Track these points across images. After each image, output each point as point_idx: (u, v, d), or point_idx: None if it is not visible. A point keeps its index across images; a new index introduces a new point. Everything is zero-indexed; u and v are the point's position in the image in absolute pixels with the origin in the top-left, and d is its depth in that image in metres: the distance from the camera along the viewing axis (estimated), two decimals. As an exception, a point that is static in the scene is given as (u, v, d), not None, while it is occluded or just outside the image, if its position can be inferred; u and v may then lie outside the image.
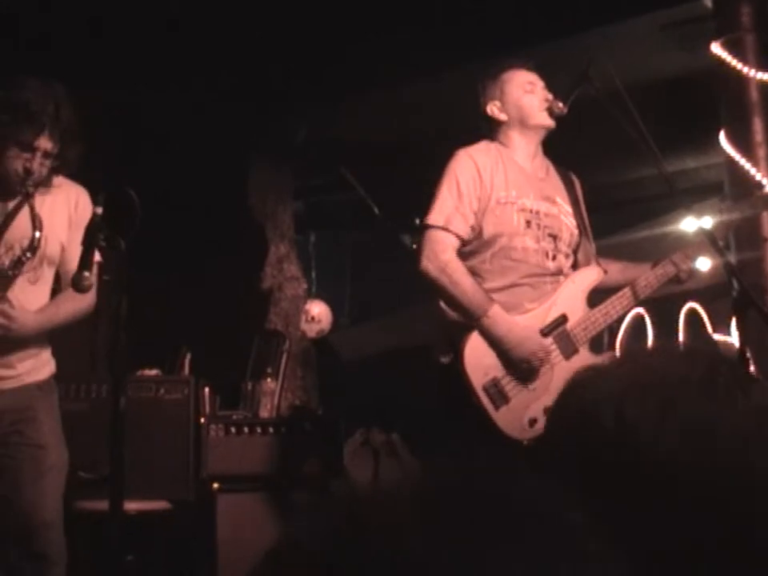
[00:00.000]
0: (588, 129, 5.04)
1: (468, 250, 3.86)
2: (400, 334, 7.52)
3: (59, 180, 3.63)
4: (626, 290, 3.91)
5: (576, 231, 4.01)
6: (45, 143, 3.47)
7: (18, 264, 3.51)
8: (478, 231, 3.85)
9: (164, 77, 5.81)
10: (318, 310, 7.15)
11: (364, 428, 6.17)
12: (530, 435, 3.66)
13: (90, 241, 3.23)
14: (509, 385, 3.68)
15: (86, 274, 3.23)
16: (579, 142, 5.10)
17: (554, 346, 3.78)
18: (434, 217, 3.81)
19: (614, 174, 7.30)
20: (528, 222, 3.86)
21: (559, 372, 3.74)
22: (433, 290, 3.80)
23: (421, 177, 4.10)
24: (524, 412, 3.68)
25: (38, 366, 3.72)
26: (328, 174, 7.68)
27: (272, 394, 5.87)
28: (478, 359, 3.67)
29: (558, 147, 4.10)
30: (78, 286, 3.24)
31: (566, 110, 3.94)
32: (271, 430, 5.61)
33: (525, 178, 3.97)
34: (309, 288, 7.27)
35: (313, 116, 6.76)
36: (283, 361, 6.07)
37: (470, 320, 3.70)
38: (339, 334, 7.73)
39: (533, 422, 3.67)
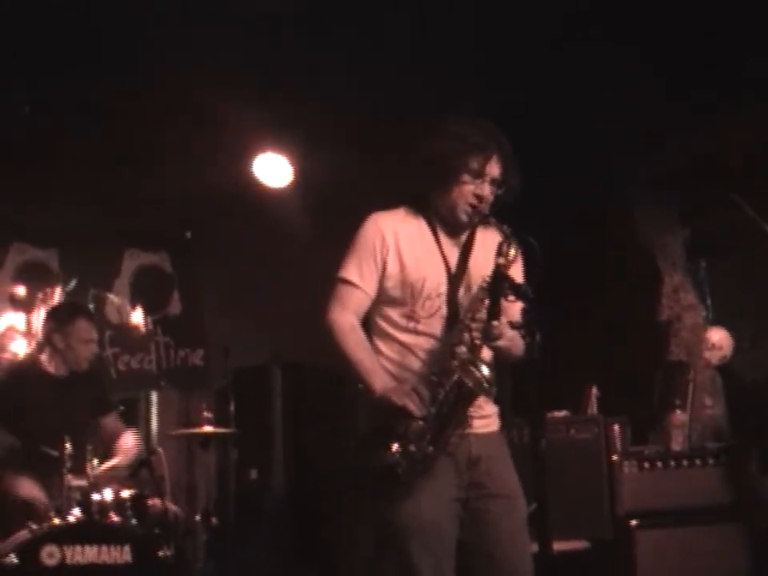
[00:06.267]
0: None
1: None
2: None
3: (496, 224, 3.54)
4: None
5: None
6: (493, 169, 3.50)
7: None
8: None
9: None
10: (718, 337, 6.95)
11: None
12: None
13: (496, 291, 3.31)
14: None
15: (495, 323, 3.29)
16: None
17: None
18: None
19: None
20: None
21: None
22: None
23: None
24: None
25: (496, 411, 3.62)
26: (713, 198, 7.48)
27: (682, 426, 5.79)
28: None
29: None
30: (488, 336, 3.31)
31: None
32: (685, 462, 5.53)
33: None
34: (706, 315, 7.11)
35: (692, 139, 6.63)
36: (690, 391, 5.98)
37: None
38: (741, 358, 7.48)
39: None
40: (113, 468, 5.37)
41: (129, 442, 5.61)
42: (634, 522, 5.39)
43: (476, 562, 3.42)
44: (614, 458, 5.48)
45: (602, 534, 5.43)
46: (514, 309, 3.33)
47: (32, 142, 6.42)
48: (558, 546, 5.03)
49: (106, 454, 5.43)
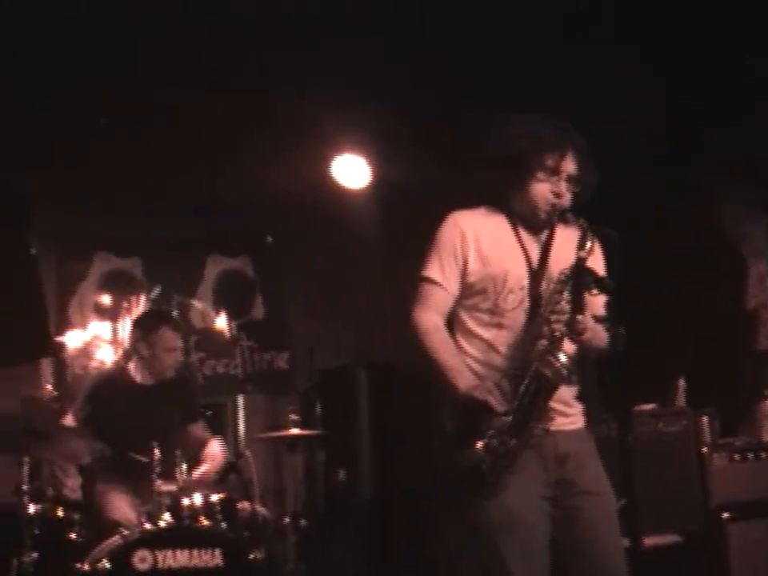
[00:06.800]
0: None
1: None
2: None
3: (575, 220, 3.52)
4: None
5: None
6: (569, 166, 3.49)
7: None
8: None
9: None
10: (806, 325, 6.84)
11: None
12: None
13: (579, 284, 3.29)
14: None
15: (579, 317, 3.28)
16: None
17: None
18: None
19: None
20: None
21: None
22: None
23: None
24: None
25: (581, 408, 3.59)
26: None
27: (774, 417, 5.70)
28: None
29: None
30: (572, 329, 3.29)
31: None
32: (775, 453, 5.45)
33: None
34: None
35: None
36: (779, 380, 5.89)
37: None
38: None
39: None
40: (202, 475, 5.43)
41: (215, 449, 5.64)
42: (725, 515, 5.32)
43: (571, 560, 3.40)
44: (704, 450, 5.41)
45: (693, 527, 5.37)
46: (596, 302, 3.31)
47: (111, 153, 6.51)
48: (649, 540, 4.99)
49: (193, 461, 5.47)
